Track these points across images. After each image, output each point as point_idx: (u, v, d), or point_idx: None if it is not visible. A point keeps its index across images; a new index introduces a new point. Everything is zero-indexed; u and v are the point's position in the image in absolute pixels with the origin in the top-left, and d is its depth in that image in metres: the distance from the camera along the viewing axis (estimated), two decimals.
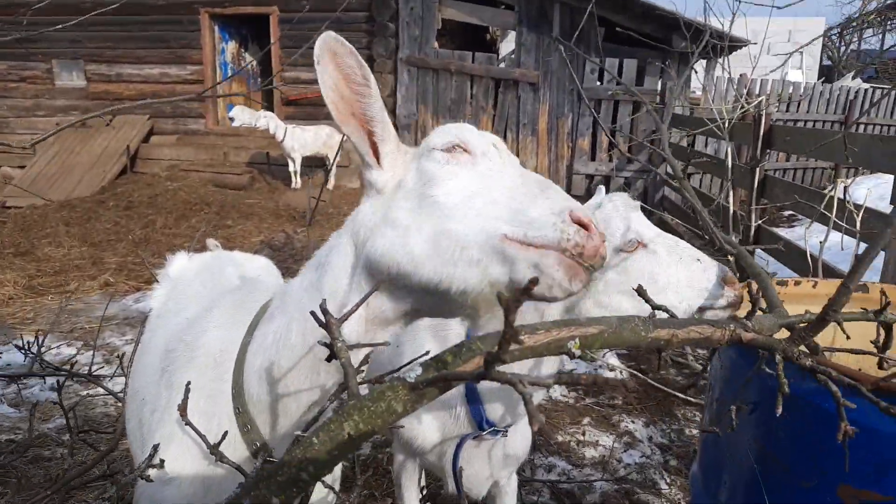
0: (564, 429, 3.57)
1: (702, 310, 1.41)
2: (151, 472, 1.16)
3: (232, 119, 9.09)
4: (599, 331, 0.95)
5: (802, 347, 1.09)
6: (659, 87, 9.02)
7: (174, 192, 9.45)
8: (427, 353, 1.57)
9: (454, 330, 1.69)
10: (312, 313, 1.00)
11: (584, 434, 3.51)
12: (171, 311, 1.68)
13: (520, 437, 1.83)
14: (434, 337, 1.70)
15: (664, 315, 1.17)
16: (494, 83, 9.57)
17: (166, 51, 10.52)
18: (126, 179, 9.97)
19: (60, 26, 2.33)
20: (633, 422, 3.67)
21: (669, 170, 8.83)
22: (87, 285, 6.11)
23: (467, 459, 1.71)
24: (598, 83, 9.25)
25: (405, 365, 1.19)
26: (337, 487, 1.46)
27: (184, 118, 10.65)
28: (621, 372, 4.38)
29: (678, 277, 1.41)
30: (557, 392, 4.04)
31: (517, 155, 9.58)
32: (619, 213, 1.47)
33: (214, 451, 1.10)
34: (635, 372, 4.18)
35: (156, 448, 1.19)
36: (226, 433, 1.13)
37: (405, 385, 0.84)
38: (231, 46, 11.33)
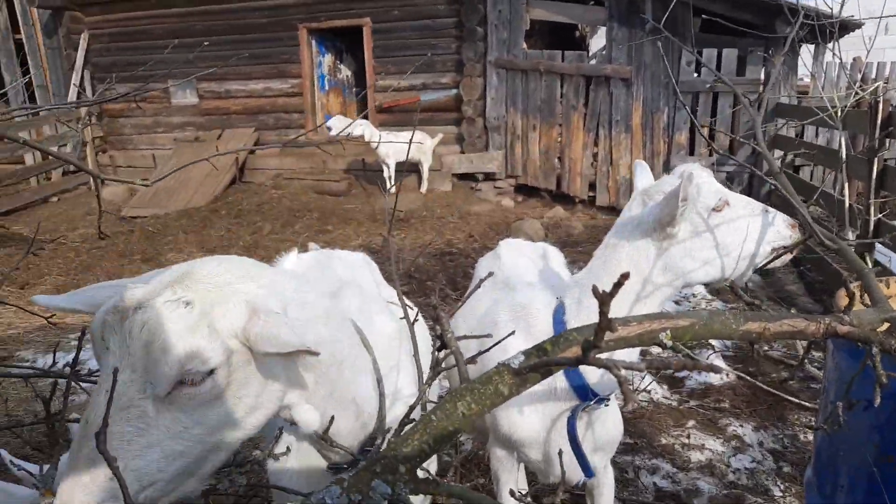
0: (668, 431, 3.51)
1: (775, 249, 1.72)
2: None
3: (329, 128, 9.51)
4: (690, 323, 1.00)
5: None
6: (762, 77, 8.58)
7: (279, 199, 10.01)
8: (513, 332, 1.70)
9: (537, 318, 1.87)
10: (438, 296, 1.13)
11: (688, 437, 3.44)
12: None
13: (612, 421, 1.92)
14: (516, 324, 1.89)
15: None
16: (585, 81, 9.44)
17: (269, 66, 11.14)
18: (235, 189, 10.66)
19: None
20: (741, 426, 3.56)
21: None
22: None
23: (562, 444, 1.76)
24: (696, 75, 8.93)
25: (493, 345, 1.37)
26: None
27: (286, 129, 11.24)
28: (728, 375, 4.23)
29: (755, 226, 1.71)
30: (659, 394, 3.98)
31: (610, 153, 9.43)
32: (705, 178, 1.74)
33: (324, 437, 1.25)
34: (743, 375, 4.04)
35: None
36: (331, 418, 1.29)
37: (510, 371, 0.94)
38: (328, 59, 11.83)
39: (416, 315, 1.64)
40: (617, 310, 1.67)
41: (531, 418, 1.81)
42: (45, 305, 1.15)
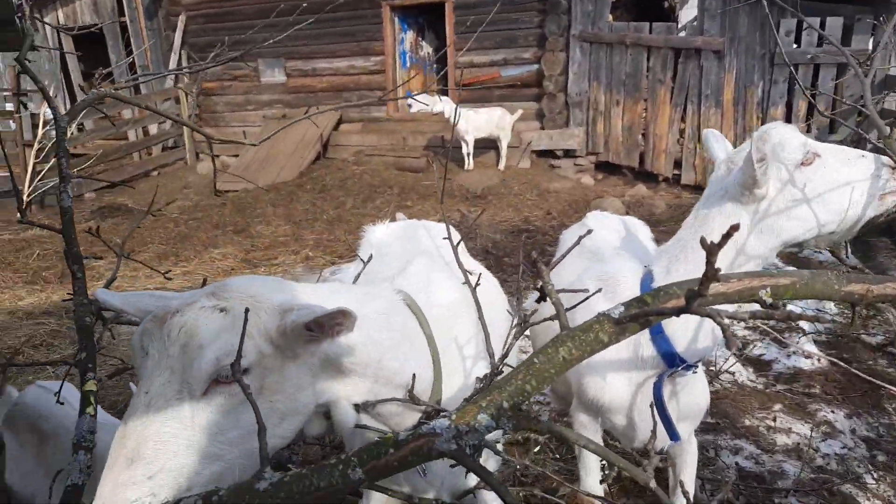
0: (752, 413, 3.41)
1: (882, 196, 1.62)
2: None
3: (410, 105, 9.63)
4: (791, 282, 0.99)
5: None
6: (870, 47, 7.97)
7: (360, 175, 10.27)
8: (599, 290, 1.76)
9: (625, 286, 1.89)
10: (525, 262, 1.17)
11: (774, 420, 3.34)
12: (376, 270, 1.93)
13: (698, 390, 1.91)
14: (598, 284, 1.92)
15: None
16: (674, 54, 9.08)
17: (353, 44, 11.37)
18: (319, 165, 11.02)
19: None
20: (832, 412, 3.41)
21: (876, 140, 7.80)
22: (292, 259, 6.92)
23: (648, 409, 1.77)
24: (795, 46, 8.40)
25: (580, 302, 1.45)
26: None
27: (368, 107, 11.46)
28: (819, 360, 4.05)
29: (851, 175, 1.62)
30: (744, 376, 3.86)
31: (698, 129, 9.05)
32: (786, 134, 1.68)
33: (412, 394, 1.32)
34: (836, 360, 3.86)
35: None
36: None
37: (610, 320, 0.98)
38: (409, 36, 11.93)
39: (479, 279, 1.69)
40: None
41: (617, 384, 1.83)
42: (102, 301, 1.22)
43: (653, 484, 0.93)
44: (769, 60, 8.46)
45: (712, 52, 8.76)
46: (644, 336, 1.74)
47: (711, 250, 0.78)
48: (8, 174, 10.37)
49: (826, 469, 2.90)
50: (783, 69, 8.30)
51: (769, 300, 0.96)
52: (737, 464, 2.94)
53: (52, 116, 1.98)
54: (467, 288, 1.70)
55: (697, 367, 1.79)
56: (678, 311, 0.90)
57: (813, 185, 1.60)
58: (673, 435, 1.63)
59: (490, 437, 1.02)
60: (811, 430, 3.21)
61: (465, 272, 1.71)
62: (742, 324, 4.61)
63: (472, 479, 1.58)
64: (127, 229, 8.23)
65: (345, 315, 1.09)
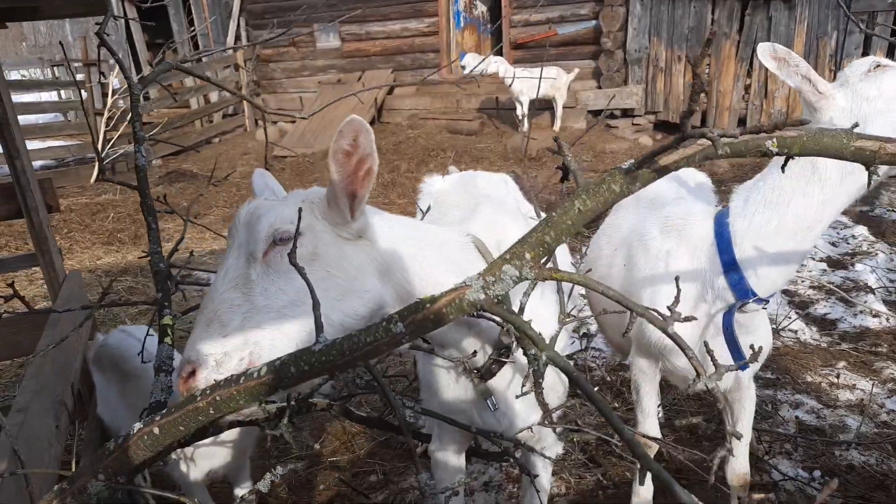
0: (815, 370, 3.35)
1: None
2: None
3: (464, 67, 9.54)
4: (798, 135, 0.99)
5: None
6: None
7: (414, 139, 10.32)
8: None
9: (695, 225, 1.91)
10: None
11: (838, 377, 3.27)
12: (437, 219, 1.99)
13: (762, 331, 1.91)
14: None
15: None
16: (741, 4, 8.66)
17: (406, 6, 11.30)
18: (374, 129, 10.95)
19: None
20: None
21: None
22: None
23: (718, 341, 1.78)
24: None
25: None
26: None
27: (421, 69, 11.43)
28: (888, 319, 3.92)
29: None
30: (807, 335, 3.78)
31: (765, 85, 8.65)
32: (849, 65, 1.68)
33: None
34: None
35: None
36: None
37: (620, 171, 1.04)
38: None
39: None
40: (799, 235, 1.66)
41: (685, 326, 1.85)
42: (254, 182, 1.53)
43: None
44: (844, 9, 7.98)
45: (782, 2, 8.31)
46: (715, 263, 1.77)
47: (696, 63, 0.84)
48: (82, 142, 10.87)
49: (890, 424, 2.84)
50: (861, 17, 7.81)
51: (775, 150, 0.98)
52: (797, 417, 2.91)
53: (118, 86, 2.08)
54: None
55: (768, 301, 1.78)
56: (677, 142, 0.96)
57: (881, 92, 1.59)
58: (742, 365, 1.64)
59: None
60: (876, 387, 3.14)
61: (537, 209, 1.75)
62: (807, 283, 4.48)
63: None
64: (193, 194, 8.58)
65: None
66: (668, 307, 1.15)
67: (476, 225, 1.69)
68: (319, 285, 1.17)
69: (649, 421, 2.13)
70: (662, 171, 1.06)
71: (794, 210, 1.64)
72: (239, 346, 1.17)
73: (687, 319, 1.13)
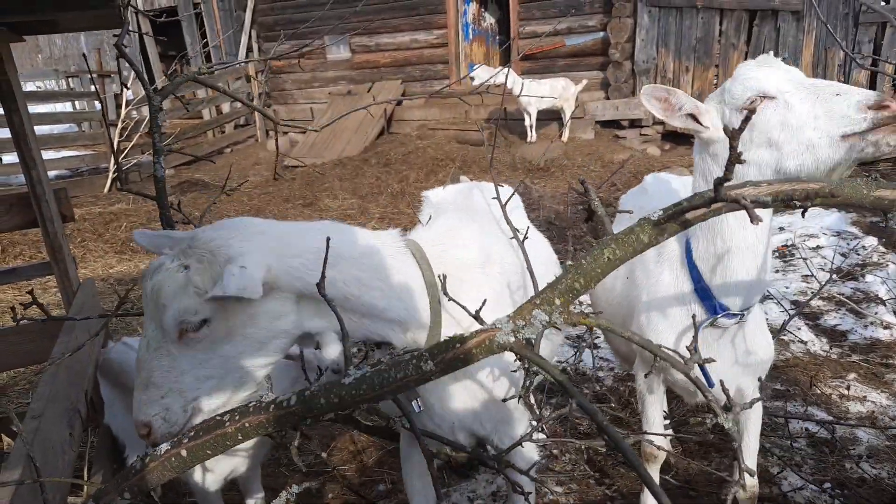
0: (825, 382, 3.34)
1: (844, 137, 1.45)
2: None
3: (473, 78, 9.60)
4: (820, 187, 1.01)
5: None
6: None
7: (423, 149, 10.38)
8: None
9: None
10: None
11: (848, 388, 3.25)
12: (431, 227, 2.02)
13: (759, 340, 1.91)
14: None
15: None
16: (749, 16, 8.68)
17: (416, 18, 11.40)
18: (384, 139, 11.19)
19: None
20: None
21: None
22: None
23: (711, 353, 1.79)
24: (883, 2, 7.87)
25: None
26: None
27: (430, 80, 11.52)
28: None
29: (814, 113, 1.49)
30: (817, 346, 3.76)
31: None
32: (740, 77, 1.65)
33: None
34: None
35: None
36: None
37: (650, 222, 1.07)
38: (472, 8, 11.86)
39: (527, 231, 1.80)
40: None
41: (669, 336, 1.87)
42: (136, 239, 1.44)
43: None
44: (853, 20, 7.97)
45: (791, 14, 8.33)
46: (687, 278, 1.82)
47: (733, 135, 0.84)
48: (93, 153, 10.99)
49: None
50: (868, 29, 7.81)
51: (799, 203, 1.00)
52: (806, 429, 2.90)
53: (132, 97, 2.12)
54: (505, 243, 1.79)
55: (742, 316, 1.78)
56: (709, 202, 0.98)
57: (759, 131, 1.55)
58: (709, 382, 1.64)
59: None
60: (888, 399, 3.12)
61: (513, 228, 1.78)
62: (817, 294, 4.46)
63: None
64: (205, 203, 8.66)
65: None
66: (687, 348, 1.17)
67: (429, 233, 1.72)
68: (243, 349, 1.29)
69: (654, 429, 2.13)
70: (688, 224, 1.09)
71: (729, 232, 1.67)
72: (179, 403, 1.29)
73: (706, 361, 1.15)
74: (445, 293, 1.49)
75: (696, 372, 1.83)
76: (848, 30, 8.10)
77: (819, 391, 3.24)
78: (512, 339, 1.08)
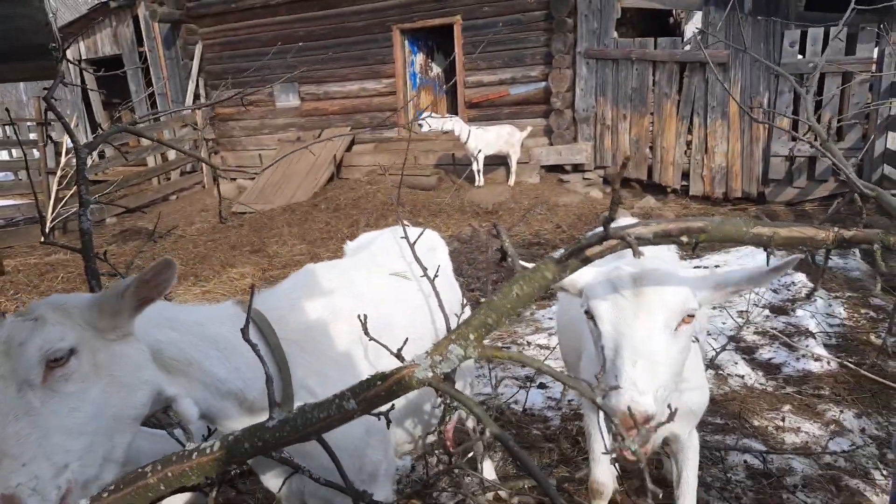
0: (761, 414, 3.47)
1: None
2: None
3: (421, 125, 9.82)
4: (703, 225, 1.12)
5: None
6: (875, 55, 8.05)
7: (373, 194, 10.45)
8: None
9: None
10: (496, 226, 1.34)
11: (783, 420, 3.39)
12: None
13: (692, 384, 1.95)
14: None
15: None
16: (679, 67, 9.22)
17: (364, 67, 11.63)
18: (333, 185, 11.22)
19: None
20: (841, 412, 3.46)
21: (890, 145, 7.85)
22: None
23: None
24: (800, 56, 8.50)
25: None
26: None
27: (379, 128, 11.68)
28: (829, 362, 4.09)
29: None
30: (753, 379, 3.92)
31: (705, 141, 9.13)
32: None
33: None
34: (846, 363, 3.90)
35: None
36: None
37: (552, 260, 1.17)
38: (419, 58, 12.18)
39: (437, 271, 1.95)
40: None
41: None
42: None
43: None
44: (774, 72, 8.55)
45: (718, 65, 8.88)
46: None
47: (614, 178, 0.95)
48: (33, 201, 10.64)
49: (834, 466, 2.95)
50: (786, 81, 8.38)
51: (685, 240, 1.10)
52: (745, 462, 3.00)
53: (71, 145, 2.13)
54: (371, 295, 1.90)
55: None
56: (600, 239, 1.08)
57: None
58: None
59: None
60: (820, 430, 3.26)
61: (422, 266, 1.90)
62: (751, 329, 4.66)
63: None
64: (148, 252, 8.45)
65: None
66: (595, 376, 1.25)
67: (272, 298, 1.84)
68: (109, 390, 1.22)
69: (599, 468, 2.18)
70: (588, 261, 1.18)
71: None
72: (49, 471, 1.13)
73: (613, 388, 1.22)
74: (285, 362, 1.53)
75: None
76: (770, 80, 8.68)
77: (756, 423, 3.37)
78: (430, 375, 1.14)
